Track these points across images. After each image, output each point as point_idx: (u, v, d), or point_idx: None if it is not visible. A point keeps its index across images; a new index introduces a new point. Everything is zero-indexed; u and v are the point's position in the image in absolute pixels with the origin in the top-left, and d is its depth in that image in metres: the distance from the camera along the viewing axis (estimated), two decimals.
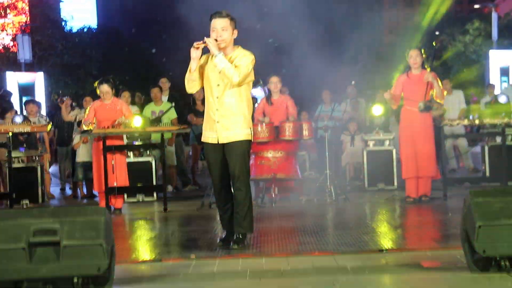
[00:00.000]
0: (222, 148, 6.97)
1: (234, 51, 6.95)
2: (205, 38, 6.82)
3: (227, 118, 6.92)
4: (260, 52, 7.95)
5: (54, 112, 15.45)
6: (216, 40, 6.81)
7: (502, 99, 13.38)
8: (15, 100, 20.18)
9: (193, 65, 6.90)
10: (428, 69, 10.37)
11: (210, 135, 7.01)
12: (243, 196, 6.94)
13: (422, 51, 10.50)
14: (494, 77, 26.12)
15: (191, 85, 7.05)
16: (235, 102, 6.92)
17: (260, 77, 11.18)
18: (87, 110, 11.02)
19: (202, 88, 7.18)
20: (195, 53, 6.84)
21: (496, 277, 5.04)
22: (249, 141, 7.03)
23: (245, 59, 6.89)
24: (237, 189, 6.96)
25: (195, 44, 6.82)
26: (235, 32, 6.95)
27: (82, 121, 11.04)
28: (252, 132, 7.10)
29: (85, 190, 13.66)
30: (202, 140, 7.16)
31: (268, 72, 11.64)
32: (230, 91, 6.90)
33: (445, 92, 10.86)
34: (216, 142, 6.96)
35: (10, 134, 10.83)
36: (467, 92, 19.81)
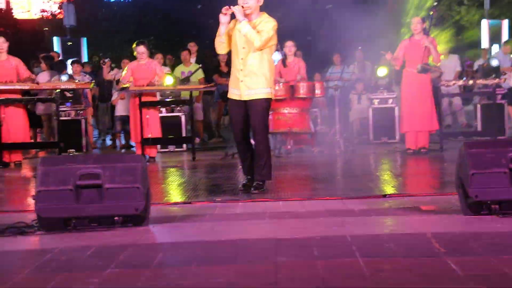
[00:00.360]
0: (244, 104, 6.94)
1: (259, 17, 6.88)
2: (230, 6, 6.77)
3: (249, 78, 6.87)
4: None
5: (95, 72, 15.43)
6: (242, 6, 6.75)
7: (494, 63, 13.25)
8: None
9: (222, 29, 6.84)
10: (426, 35, 10.29)
11: (234, 92, 6.97)
12: (263, 148, 6.93)
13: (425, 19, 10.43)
14: (485, 42, 25.86)
15: (221, 47, 6.99)
16: (258, 64, 6.87)
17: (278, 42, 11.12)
18: (125, 70, 11.01)
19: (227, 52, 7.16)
20: (223, 18, 6.79)
21: (487, 219, 5.03)
22: (269, 99, 6.98)
23: (267, 25, 6.82)
24: (257, 141, 6.94)
25: (223, 10, 6.77)
26: (261, 0, 6.88)
27: (120, 79, 11.03)
28: (273, 91, 7.06)
29: (123, 141, 13.71)
30: (228, 96, 7.12)
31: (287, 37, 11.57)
32: (254, 54, 6.84)
33: (442, 56, 10.77)
34: (239, 99, 6.93)
35: (58, 90, 10.86)
36: (462, 56, 19.61)
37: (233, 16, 6.85)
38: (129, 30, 44.62)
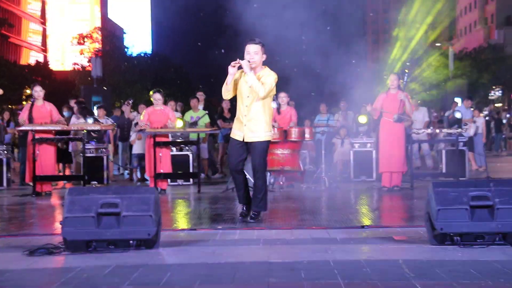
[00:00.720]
0: (245, 145, 6.94)
1: (262, 70, 6.90)
2: (238, 59, 6.79)
3: (252, 123, 6.88)
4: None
5: (117, 117, 15.45)
6: (248, 61, 6.78)
7: (457, 115, 13.30)
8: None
9: (229, 79, 6.85)
10: (401, 91, 10.35)
11: (237, 133, 6.97)
12: (261, 183, 6.92)
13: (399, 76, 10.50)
14: (449, 98, 26.00)
15: (227, 94, 6.98)
16: (260, 111, 6.87)
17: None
18: (143, 114, 11.00)
19: (229, 99, 7.16)
20: (232, 69, 6.79)
21: (450, 248, 5.00)
22: (268, 141, 6.98)
23: (269, 78, 6.85)
24: (257, 178, 6.92)
25: (232, 62, 6.78)
26: (264, 56, 6.90)
27: (139, 122, 11.04)
28: (272, 134, 7.06)
29: (139, 175, 13.67)
30: (230, 136, 7.10)
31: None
32: (257, 102, 6.86)
33: (414, 108, 10.81)
34: (242, 140, 6.92)
35: (85, 131, 10.87)
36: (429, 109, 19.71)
37: (239, 67, 6.88)
38: (147, 80, 44.87)
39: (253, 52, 6.81)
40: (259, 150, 6.86)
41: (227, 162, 16.12)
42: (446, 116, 14.49)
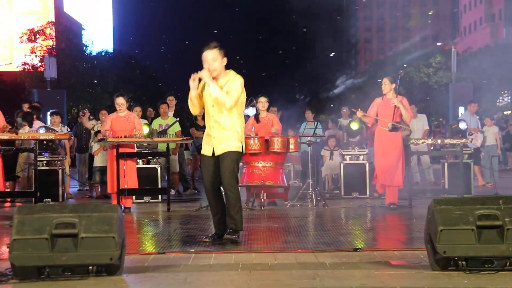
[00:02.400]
0: (216, 159, 6.97)
1: (226, 76, 6.97)
2: (196, 72, 6.87)
3: (221, 134, 6.94)
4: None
5: (74, 124, 15.38)
6: (209, 69, 6.85)
7: (462, 126, 13.35)
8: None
9: (193, 93, 6.98)
10: (394, 95, 10.40)
11: (207, 148, 7.06)
12: (234, 196, 6.95)
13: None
14: (453, 104, 26.16)
15: (193, 109, 7.15)
16: (228, 121, 6.95)
17: (252, 97, 11.18)
18: (108, 122, 10.88)
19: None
20: (192, 83, 6.92)
21: (454, 274, 5.03)
22: (239, 152, 7.03)
23: (235, 83, 6.91)
24: (228, 190, 6.96)
25: (192, 75, 6.87)
26: (225, 59, 6.97)
27: (101, 131, 11.00)
28: (244, 145, 7.11)
29: (100, 191, 13.60)
30: (201, 152, 7.17)
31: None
32: (225, 112, 6.92)
33: (411, 115, 10.85)
34: (211, 155, 6.97)
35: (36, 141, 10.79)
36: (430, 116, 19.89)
37: (200, 80, 6.95)
38: (109, 83, 44.73)
39: (211, 59, 6.89)
40: (228, 160, 6.93)
41: (199, 176, 16.18)
42: (450, 124, 14.61)
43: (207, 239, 7.06)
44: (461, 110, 22.48)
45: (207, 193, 7.12)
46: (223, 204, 7.11)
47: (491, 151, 16.06)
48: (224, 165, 6.93)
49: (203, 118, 13.90)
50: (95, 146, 13.25)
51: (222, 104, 6.84)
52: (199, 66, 6.94)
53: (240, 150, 7.02)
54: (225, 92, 6.84)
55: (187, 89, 7.02)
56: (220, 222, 7.07)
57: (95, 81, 43.64)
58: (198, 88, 6.99)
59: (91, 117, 15.14)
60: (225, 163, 6.93)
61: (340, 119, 15.49)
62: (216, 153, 6.96)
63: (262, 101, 11.40)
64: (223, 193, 7.15)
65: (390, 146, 10.38)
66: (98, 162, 13.20)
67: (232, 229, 6.95)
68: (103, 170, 12.80)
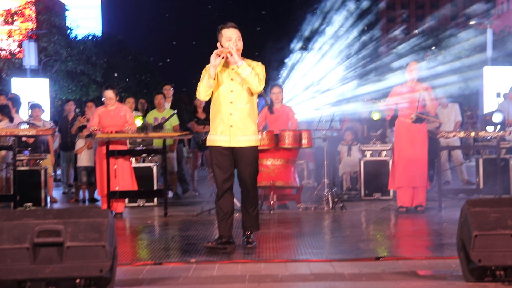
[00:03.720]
0: (232, 152, 6.99)
1: (245, 61, 6.95)
2: (225, 47, 6.80)
3: (241, 123, 6.95)
4: None
5: (58, 118, 15.42)
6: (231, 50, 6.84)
7: (497, 118, 13.18)
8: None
9: (212, 72, 6.85)
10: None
11: (221, 139, 7.00)
12: (255, 196, 7.11)
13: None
14: (488, 92, 26.05)
15: (208, 92, 6.98)
16: (249, 109, 6.98)
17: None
18: (95, 117, 10.86)
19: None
20: (217, 60, 6.81)
21: (491, 286, 5.02)
22: (258, 146, 7.15)
23: (259, 68, 6.95)
24: (249, 191, 7.07)
25: (217, 51, 6.79)
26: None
27: (87, 126, 10.99)
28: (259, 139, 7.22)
29: (87, 194, 13.63)
30: (209, 144, 7.11)
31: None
32: (245, 98, 6.93)
33: (437, 105, 10.81)
34: (228, 145, 6.97)
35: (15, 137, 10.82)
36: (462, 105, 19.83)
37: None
38: (97, 71, 44.78)
39: (237, 37, 6.90)
40: (250, 158, 7.02)
41: (201, 176, 16.14)
42: (483, 115, 14.56)
43: (209, 244, 7.06)
44: (494, 98, 22.34)
45: (219, 192, 7.09)
46: (233, 207, 7.14)
47: None
48: (246, 163, 7.01)
49: (204, 110, 13.98)
50: (78, 143, 13.25)
51: (252, 86, 6.84)
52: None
53: (259, 144, 7.15)
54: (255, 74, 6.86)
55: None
56: (227, 226, 7.08)
57: (81, 69, 43.66)
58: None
59: (76, 110, 15.17)
60: (247, 160, 7.01)
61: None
62: (233, 145, 6.98)
63: (276, 92, 11.41)
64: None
65: (414, 140, 10.33)
66: (83, 161, 13.21)
67: (247, 236, 7.12)
68: (89, 170, 12.83)
